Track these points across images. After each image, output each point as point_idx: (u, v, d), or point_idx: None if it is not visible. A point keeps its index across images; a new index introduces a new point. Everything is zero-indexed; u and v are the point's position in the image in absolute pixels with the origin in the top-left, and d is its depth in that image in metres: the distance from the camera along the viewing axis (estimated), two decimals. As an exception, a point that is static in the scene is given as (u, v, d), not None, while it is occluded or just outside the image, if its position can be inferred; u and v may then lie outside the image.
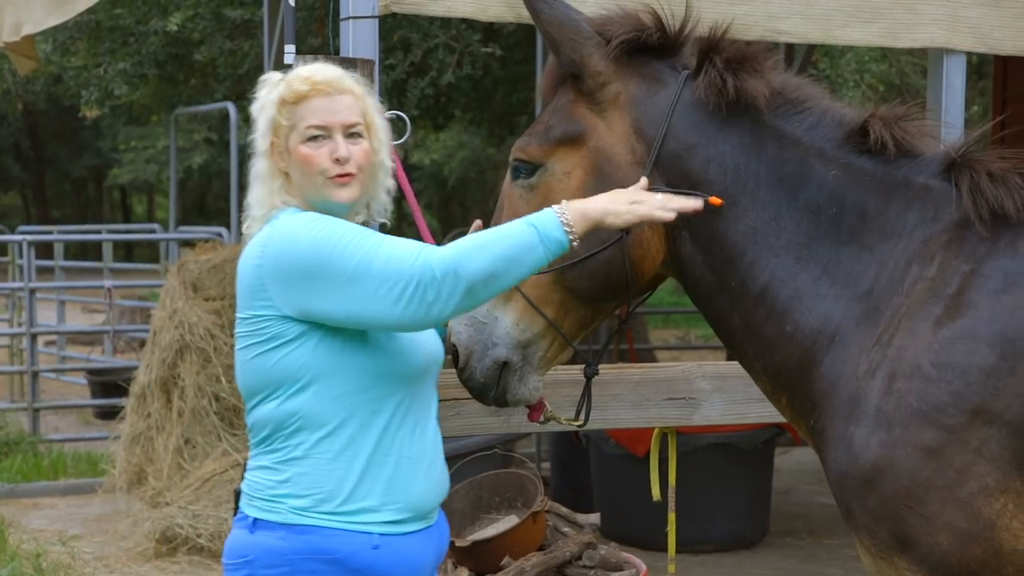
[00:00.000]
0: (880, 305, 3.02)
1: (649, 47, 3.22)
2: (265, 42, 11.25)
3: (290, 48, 4.06)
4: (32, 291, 11.88)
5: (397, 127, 4.01)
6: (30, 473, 10.22)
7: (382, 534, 3.15)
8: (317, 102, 3.17)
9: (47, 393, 13.14)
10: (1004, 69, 10.29)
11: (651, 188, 3.10)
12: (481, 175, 30.16)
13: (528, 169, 3.24)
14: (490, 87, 13.76)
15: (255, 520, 3.17)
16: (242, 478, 3.30)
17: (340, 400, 3.12)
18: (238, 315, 3.19)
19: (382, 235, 3.12)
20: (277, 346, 3.12)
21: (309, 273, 3.05)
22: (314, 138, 3.17)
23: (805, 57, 11.69)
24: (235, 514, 3.31)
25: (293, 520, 3.12)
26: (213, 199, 29.48)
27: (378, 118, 3.30)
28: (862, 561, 3.06)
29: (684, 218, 3.10)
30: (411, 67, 11.64)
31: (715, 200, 3.09)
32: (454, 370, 3.40)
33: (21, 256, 12.88)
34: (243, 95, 14.65)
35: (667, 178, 3.15)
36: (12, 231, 17.62)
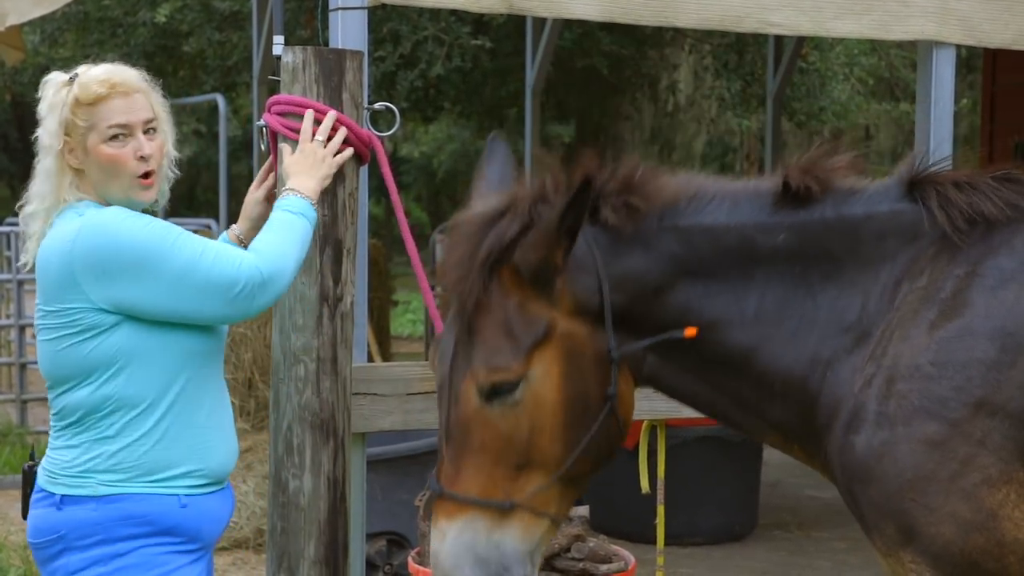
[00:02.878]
0: (871, 328, 3.03)
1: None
2: (254, 33, 11.22)
3: (279, 39, 4.05)
4: (20, 283, 11.84)
5: (386, 119, 4.00)
6: (18, 465, 10.20)
7: (188, 495, 3.33)
8: (116, 103, 3.29)
9: (35, 385, 13.09)
10: (993, 62, 10.30)
11: (620, 348, 3.05)
12: (470, 168, 30.12)
13: (510, 387, 2.98)
14: (479, 79, 13.74)
15: (63, 497, 3.28)
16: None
17: (152, 379, 3.27)
18: (43, 307, 3.28)
19: (200, 237, 3.28)
20: (91, 336, 3.23)
21: (131, 269, 3.18)
22: (115, 137, 3.29)
23: (794, 50, 11.69)
24: (25, 495, 3.42)
25: (103, 492, 3.26)
26: (202, 191, 29.42)
27: (164, 112, 3.44)
28: (882, 567, 3.07)
29: (655, 356, 3.09)
30: (400, 59, 11.64)
31: (690, 331, 3.06)
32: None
33: (9, 248, 12.83)
34: (232, 87, 14.64)
35: (632, 325, 3.08)
36: (0, 223, 17.57)
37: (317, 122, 3.69)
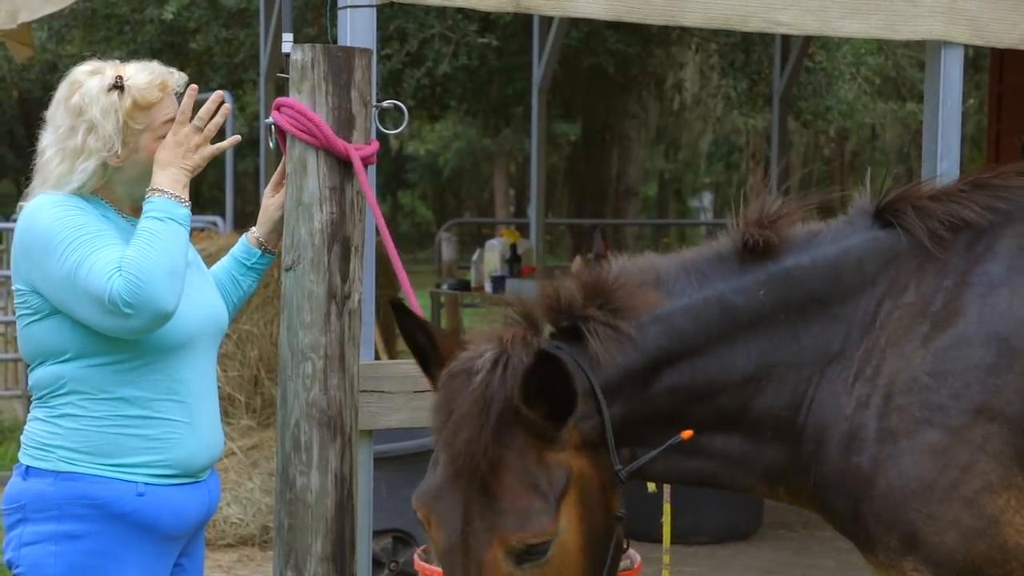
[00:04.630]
0: (850, 352, 3.03)
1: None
2: (261, 31, 11.23)
3: (287, 37, 4.05)
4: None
5: (393, 117, 4.01)
6: (23, 461, 10.21)
7: (147, 483, 3.36)
8: (166, 101, 3.43)
9: (41, 381, 13.11)
10: (1000, 62, 10.28)
11: (626, 469, 3.01)
12: (476, 166, 30.16)
13: (544, 548, 2.84)
14: (486, 77, 13.75)
15: (27, 468, 3.38)
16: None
17: (104, 369, 3.32)
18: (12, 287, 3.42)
19: (100, 243, 3.25)
20: (40, 319, 3.34)
21: (36, 256, 3.27)
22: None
23: (801, 50, 11.69)
24: None
25: (62, 468, 3.33)
26: (208, 188, 29.45)
27: None
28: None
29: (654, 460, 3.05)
30: (407, 57, 11.65)
31: (686, 434, 3.03)
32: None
33: (15, 244, 12.85)
34: (239, 84, 14.65)
35: (637, 442, 3.04)
36: (6, 219, 17.59)
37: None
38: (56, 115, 3.41)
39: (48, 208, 3.30)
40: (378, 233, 3.89)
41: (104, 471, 3.33)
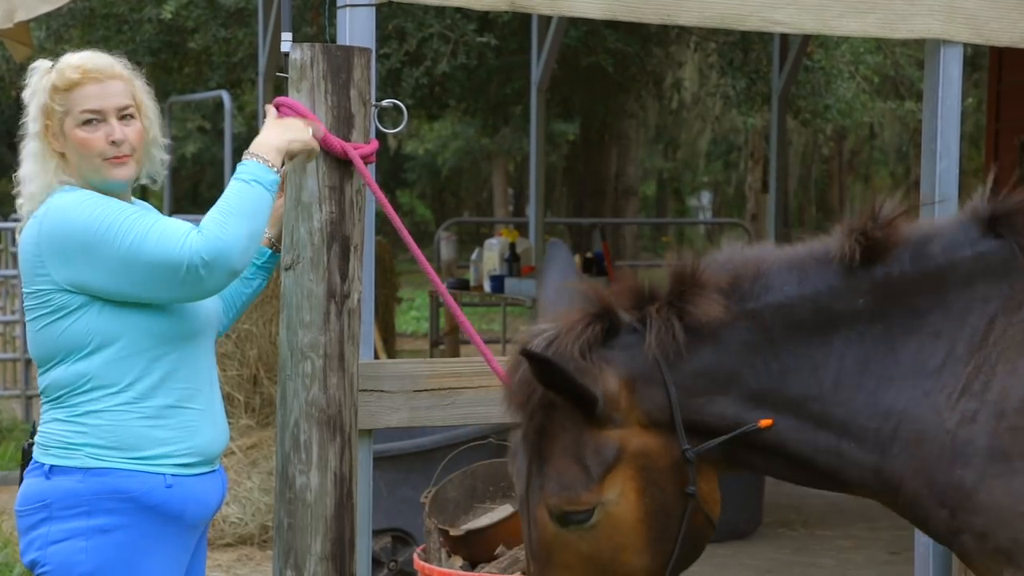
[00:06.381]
0: (957, 368, 2.98)
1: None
2: (260, 30, 11.23)
3: (287, 36, 4.04)
4: (25, 279, 11.85)
5: (392, 116, 4.01)
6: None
7: (174, 475, 3.39)
8: (89, 88, 3.38)
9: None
10: (999, 61, 10.28)
11: (695, 449, 3.01)
12: (475, 165, 30.14)
13: (584, 515, 2.97)
14: (484, 77, 13.77)
15: (51, 467, 3.37)
16: (31, 440, 3.52)
17: (126, 360, 3.34)
18: (24, 290, 3.41)
19: (154, 216, 3.34)
20: (62, 316, 3.33)
21: (83, 250, 3.27)
22: (89, 122, 3.37)
23: (800, 48, 11.69)
24: (23, 470, 3.52)
25: (91, 464, 3.34)
26: (207, 188, 29.42)
27: (147, 98, 3.50)
28: None
29: (735, 447, 3.04)
30: (406, 56, 11.65)
31: (765, 422, 3.01)
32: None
33: (13, 243, 12.85)
34: (238, 83, 14.65)
35: (705, 427, 3.02)
36: (5, 218, 17.58)
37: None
38: None
39: (74, 205, 3.32)
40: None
41: (133, 464, 3.35)
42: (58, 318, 3.34)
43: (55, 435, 3.39)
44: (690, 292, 2.99)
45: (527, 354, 2.86)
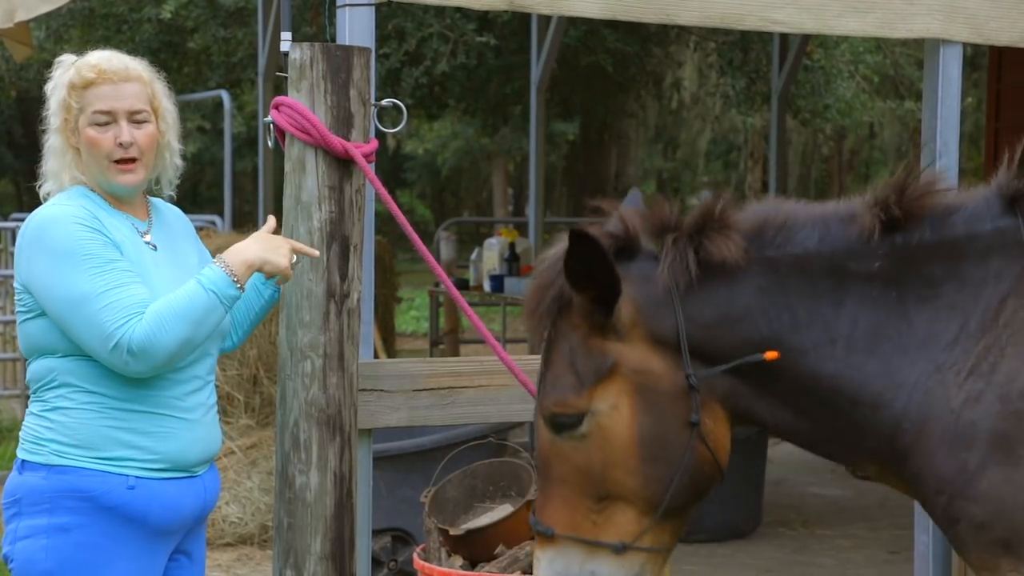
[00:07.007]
0: (968, 345, 2.98)
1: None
2: (259, 30, 11.23)
3: (286, 36, 4.04)
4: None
5: (392, 116, 4.01)
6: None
7: (139, 477, 3.38)
8: (103, 89, 3.40)
9: (40, 381, 13.11)
10: (999, 60, 10.28)
11: (698, 374, 3.03)
12: (475, 165, 30.14)
13: (573, 420, 3.02)
14: (484, 76, 13.76)
15: (23, 462, 3.42)
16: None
17: (93, 363, 3.34)
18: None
19: (119, 280, 3.28)
20: (33, 317, 3.38)
21: (42, 271, 3.30)
22: (100, 123, 3.39)
23: (799, 48, 11.69)
24: None
25: (55, 461, 3.36)
26: (206, 187, 29.46)
27: (166, 102, 3.52)
28: None
29: (743, 385, 3.06)
30: (405, 56, 11.65)
31: (770, 355, 3.02)
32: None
33: (13, 244, 12.86)
34: (237, 83, 14.65)
35: (711, 359, 3.05)
36: (5, 218, 17.59)
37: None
38: None
39: (58, 223, 3.32)
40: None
41: (94, 464, 3.35)
42: (31, 318, 3.39)
43: (28, 429, 3.44)
44: (711, 228, 3.03)
45: (573, 231, 2.90)
